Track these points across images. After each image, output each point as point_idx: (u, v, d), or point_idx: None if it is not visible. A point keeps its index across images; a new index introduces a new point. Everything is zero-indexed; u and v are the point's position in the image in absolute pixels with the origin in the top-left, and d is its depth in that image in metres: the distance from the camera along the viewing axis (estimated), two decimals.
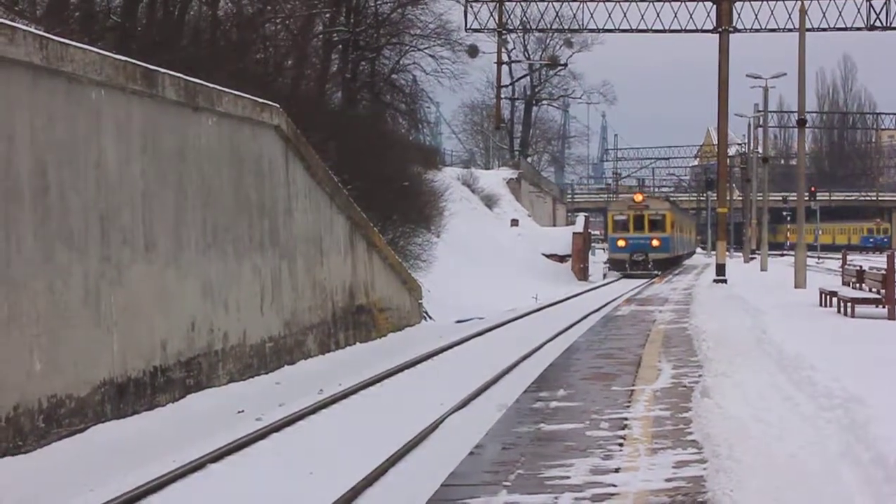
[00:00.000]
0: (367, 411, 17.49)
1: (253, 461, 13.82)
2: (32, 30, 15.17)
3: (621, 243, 69.30)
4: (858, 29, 48.72)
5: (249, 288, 20.96)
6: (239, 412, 16.98)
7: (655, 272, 65.96)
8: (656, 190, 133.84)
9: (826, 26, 48.17)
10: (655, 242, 68.76)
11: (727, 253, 51.63)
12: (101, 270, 15.68)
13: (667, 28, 48.60)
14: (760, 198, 78.20)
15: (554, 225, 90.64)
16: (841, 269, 35.75)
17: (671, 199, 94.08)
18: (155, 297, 17.23)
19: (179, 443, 14.43)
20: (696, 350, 20.10)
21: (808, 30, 44.29)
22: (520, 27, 56.65)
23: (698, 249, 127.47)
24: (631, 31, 49.22)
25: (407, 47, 48.90)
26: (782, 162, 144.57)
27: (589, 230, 71.15)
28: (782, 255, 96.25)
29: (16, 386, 13.63)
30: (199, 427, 15.68)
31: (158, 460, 13.33)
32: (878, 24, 48.34)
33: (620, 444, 11.58)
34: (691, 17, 47.86)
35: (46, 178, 14.51)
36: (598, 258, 75.23)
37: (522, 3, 52.84)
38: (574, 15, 50.60)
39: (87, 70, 15.31)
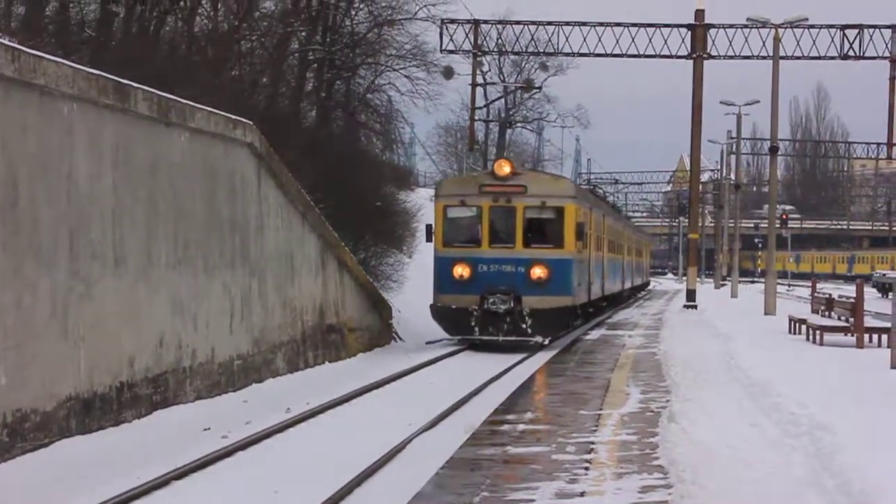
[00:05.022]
0: (334, 430, 17.44)
1: (218, 479, 13.74)
2: (5, 41, 15.11)
3: (462, 272, 31.64)
4: (832, 58, 49.04)
5: (219, 305, 20.88)
6: (205, 429, 16.90)
7: (536, 339, 31.04)
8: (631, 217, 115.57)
9: (800, 54, 48.50)
10: (539, 271, 31.36)
11: (698, 279, 51.74)
12: (70, 285, 15.58)
13: (642, 53, 48.76)
14: (732, 224, 78.50)
15: None
16: (811, 297, 35.91)
17: (591, 186, 62.28)
18: (123, 312, 17.13)
19: (144, 459, 14.34)
20: (665, 375, 20.14)
21: (782, 58, 44.67)
22: (495, 50, 56.70)
23: (669, 275, 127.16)
24: (606, 55, 49.33)
25: (382, 67, 48.86)
26: (755, 189, 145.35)
27: None
28: (753, 281, 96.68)
29: None
30: (165, 444, 15.59)
31: (122, 476, 13.24)
32: (851, 53, 48.70)
33: (586, 468, 11.58)
34: (666, 42, 48.10)
35: (17, 191, 14.41)
36: None
37: (498, 26, 53.02)
38: (549, 39, 50.69)
39: (59, 83, 15.24)
